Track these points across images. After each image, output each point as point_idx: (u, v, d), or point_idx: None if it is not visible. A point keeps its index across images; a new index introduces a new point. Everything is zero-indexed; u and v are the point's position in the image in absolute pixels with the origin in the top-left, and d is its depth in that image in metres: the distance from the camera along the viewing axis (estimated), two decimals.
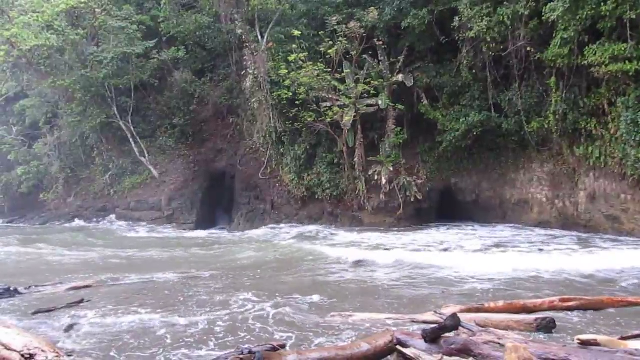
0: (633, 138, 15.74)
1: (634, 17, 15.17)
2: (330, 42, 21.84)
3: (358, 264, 14.20)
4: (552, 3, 16.72)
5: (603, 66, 16.09)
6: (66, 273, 14.70)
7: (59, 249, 19.22)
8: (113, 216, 29.44)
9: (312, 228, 23.19)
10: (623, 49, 15.58)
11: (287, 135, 24.05)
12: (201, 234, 24.92)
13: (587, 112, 17.75)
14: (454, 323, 6.66)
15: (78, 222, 29.72)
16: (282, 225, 24.58)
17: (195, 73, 29.69)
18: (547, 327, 7.92)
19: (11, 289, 11.94)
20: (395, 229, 21.48)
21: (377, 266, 13.83)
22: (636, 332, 7.59)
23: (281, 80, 22.77)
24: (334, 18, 22.16)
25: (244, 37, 24.72)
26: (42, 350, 6.82)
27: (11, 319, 9.56)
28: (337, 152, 23.00)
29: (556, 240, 17.62)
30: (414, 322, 8.61)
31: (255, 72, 23.88)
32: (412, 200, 21.68)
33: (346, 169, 22.63)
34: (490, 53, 19.62)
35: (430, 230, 20.75)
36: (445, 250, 16.32)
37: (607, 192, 17.79)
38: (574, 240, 17.41)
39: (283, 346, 7.00)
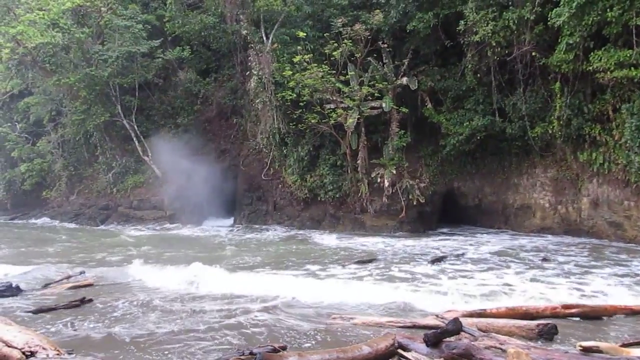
0: (637, 145, 15.72)
1: (639, 23, 15.15)
2: (335, 44, 21.82)
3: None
4: (557, 8, 16.70)
5: (608, 72, 16.07)
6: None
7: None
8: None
9: (301, 231, 23.33)
10: (628, 55, 15.56)
11: (291, 136, 24.05)
12: (196, 232, 25.07)
13: (592, 118, 17.73)
14: (455, 327, 6.67)
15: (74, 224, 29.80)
16: (279, 227, 24.67)
17: (199, 73, 29.75)
18: (549, 333, 7.92)
19: (13, 286, 11.97)
20: (396, 233, 21.39)
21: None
22: (638, 340, 7.58)
23: (285, 82, 22.76)
24: (339, 20, 22.14)
25: (248, 38, 24.74)
26: (43, 348, 6.83)
27: (13, 316, 9.58)
28: (340, 154, 22.99)
29: (563, 252, 16.28)
30: (415, 326, 8.60)
31: (260, 73, 23.89)
32: (415, 203, 21.64)
33: (349, 171, 22.61)
34: (495, 57, 19.59)
35: (427, 239, 20.09)
36: (435, 261, 15.07)
37: (611, 199, 17.75)
38: (581, 253, 16.01)
39: (284, 348, 7.00)
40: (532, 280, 12.57)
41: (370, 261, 15.52)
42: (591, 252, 16.11)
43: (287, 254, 17.39)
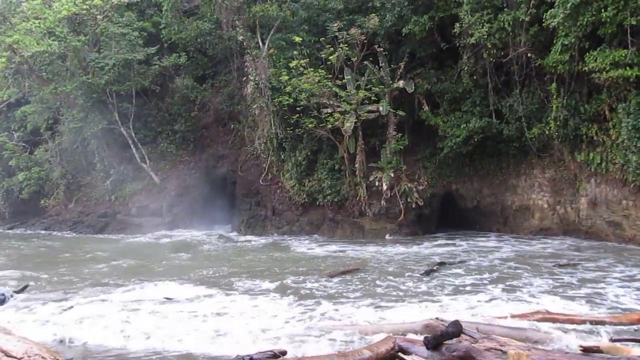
0: (634, 144, 15.76)
1: (634, 23, 15.22)
2: (331, 49, 21.87)
3: None
4: (552, 9, 16.77)
5: (604, 72, 16.12)
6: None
7: None
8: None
9: (298, 237, 22.93)
10: (623, 55, 15.62)
11: (288, 141, 24.05)
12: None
13: (588, 118, 17.76)
14: (456, 330, 6.64)
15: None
16: (276, 232, 24.51)
17: (196, 79, 29.77)
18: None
19: (7, 295, 11.96)
20: (394, 237, 21.30)
21: None
22: (626, 337, 7.60)
23: (282, 87, 22.79)
24: (335, 24, 22.18)
25: (245, 44, 24.76)
26: (42, 357, 6.80)
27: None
28: (338, 158, 22.98)
29: (590, 264, 14.38)
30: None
31: (256, 79, 23.90)
32: (414, 206, 21.64)
33: (347, 175, 22.61)
34: (491, 59, 19.64)
35: (428, 243, 19.60)
36: (429, 272, 13.55)
37: (609, 198, 17.77)
38: (614, 268, 13.76)
39: (284, 353, 6.98)
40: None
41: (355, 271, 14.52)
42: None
43: (271, 264, 16.42)
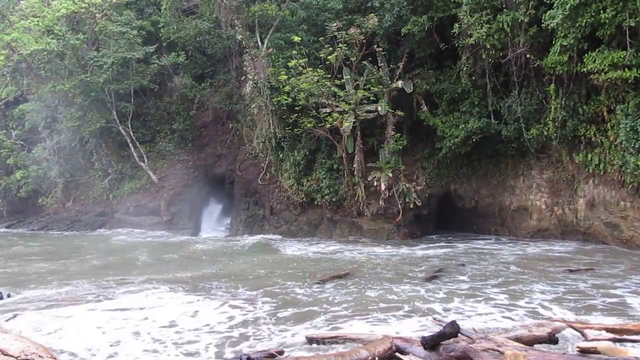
0: (632, 145, 15.76)
1: (633, 24, 15.21)
2: (330, 48, 21.85)
3: None
4: (551, 10, 16.76)
5: (602, 73, 16.11)
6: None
7: None
8: None
9: (294, 238, 22.74)
10: (622, 56, 15.61)
11: (287, 140, 24.03)
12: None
13: (587, 119, 17.77)
14: (453, 330, 6.64)
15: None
16: (273, 233, 24.45)
17: (195, 78, 29.77)
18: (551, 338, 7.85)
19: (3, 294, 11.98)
20: (391, 239, 21.29)
21: None
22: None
23: (281, 86, 22.76)
24: (334, 24, 22.16)
25: (243, 43, 24.74)
26: (39, 356, 6.78)
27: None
28: (337, 158, 22.98)
29: (605, 269, 13.69)
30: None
31: (255, 78, 23.88)
32: (412, 206, 21.63)
33: (345, 175, 22.61)
34: (490, 60, 19.63)
35: (424, 245, 19.45)
36: (431, 278, 12.91)
37: (607, 200, 17.78)
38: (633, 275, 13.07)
39: (281, 353, 6.98)
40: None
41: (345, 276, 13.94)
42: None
43: (261, 267, 16.07)
